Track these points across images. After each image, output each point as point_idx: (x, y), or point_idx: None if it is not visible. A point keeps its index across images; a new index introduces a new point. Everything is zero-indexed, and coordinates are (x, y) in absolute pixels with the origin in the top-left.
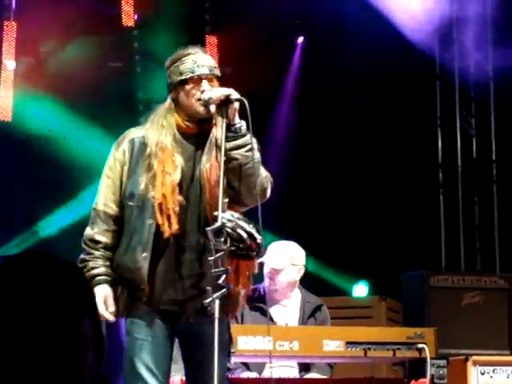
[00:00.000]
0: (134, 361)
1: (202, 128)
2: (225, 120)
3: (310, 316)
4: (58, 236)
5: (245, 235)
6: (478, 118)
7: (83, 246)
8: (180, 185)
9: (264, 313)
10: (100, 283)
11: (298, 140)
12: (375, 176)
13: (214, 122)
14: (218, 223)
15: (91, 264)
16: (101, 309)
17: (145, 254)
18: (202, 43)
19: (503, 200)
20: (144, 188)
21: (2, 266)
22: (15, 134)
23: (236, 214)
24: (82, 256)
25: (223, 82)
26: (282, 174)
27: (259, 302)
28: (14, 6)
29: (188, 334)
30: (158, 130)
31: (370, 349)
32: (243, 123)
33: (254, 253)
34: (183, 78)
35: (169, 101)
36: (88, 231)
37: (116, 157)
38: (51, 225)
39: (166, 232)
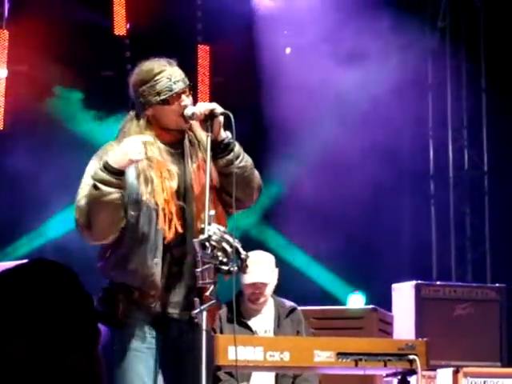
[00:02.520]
0: (128, 372)
1: (182, 134)
2: (210, 135)
3: (285, 318)
4: (66, 236)
5: (229, 249)
6: (470, 128)
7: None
8: (177, 192)
9: (241, 324)
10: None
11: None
12: (367, 186)
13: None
14: (205, 235)
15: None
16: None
17: (156, 260)
18: (194, 52)
19: (494, 211)
20: (147, 197)
21: (16, 273)
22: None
23: (222, 228)
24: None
25: (216, 91)
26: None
27: (236, 314)
28: (6, 14)
29: (176, 344)
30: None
31: (361, 360)
32: (229, 135)
33: (235, 268)
34: (163, 97)
35: (141, 120)
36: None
37: None
38: (60, 225)
39: (167, 237)
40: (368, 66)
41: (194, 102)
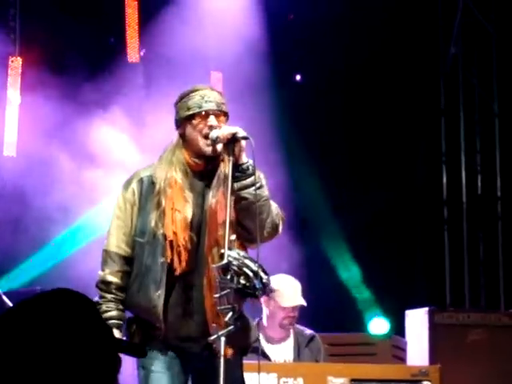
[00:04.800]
0: None
1: (211, 164)
2: (231, 158)
3: (305, 347)
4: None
5: (251, 274)
6: (484, 154)
7: (96, 288)
8: (191, 221)
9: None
10: (111, 327)
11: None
12: (380, 211)
13: (221, 157)
14: (225, 261)
15: (104, 307)
16: None
17: (159, 292)
18: (207, 79)
19: (508, 237)
20: (154, 226)
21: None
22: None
23: (242, 253)
24: (96, 299)
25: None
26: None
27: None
28: (19, 41)
29: (201, 370)
30: (168, 166)
31: None
32: (250, 161)
33: (260, 292)
34: (190, 112)
35: (177, 137)
36: (100, 273)
37: (125, 197)
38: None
39: (177, 269)
40: None
41: None
